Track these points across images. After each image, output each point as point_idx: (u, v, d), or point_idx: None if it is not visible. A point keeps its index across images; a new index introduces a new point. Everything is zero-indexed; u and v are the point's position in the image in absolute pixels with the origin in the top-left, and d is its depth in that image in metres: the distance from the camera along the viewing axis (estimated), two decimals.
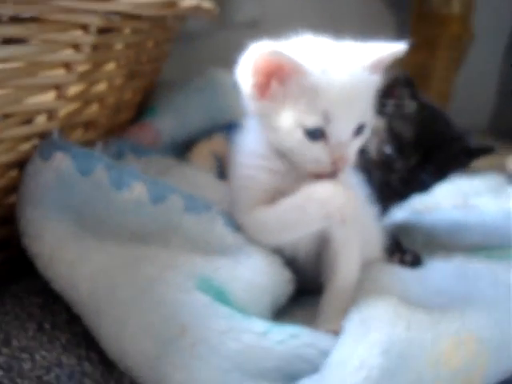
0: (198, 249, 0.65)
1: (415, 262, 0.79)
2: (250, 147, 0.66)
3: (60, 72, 0.65)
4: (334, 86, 0.58)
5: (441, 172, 0.83)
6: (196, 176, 0.74)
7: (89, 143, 0.79)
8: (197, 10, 0.81)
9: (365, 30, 1.84)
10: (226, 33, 1.62)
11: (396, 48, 0.62)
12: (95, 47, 0.69)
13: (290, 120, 0.59)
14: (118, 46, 0.74)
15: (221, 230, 0.67)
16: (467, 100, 1.77)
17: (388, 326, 0.58)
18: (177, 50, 1.52)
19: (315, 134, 0.59)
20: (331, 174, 0.61)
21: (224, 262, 0.64)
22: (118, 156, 0.80)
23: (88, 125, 0.77)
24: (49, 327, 0.64)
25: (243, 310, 0.61)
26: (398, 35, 1.69)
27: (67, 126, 0.72)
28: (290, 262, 0.70)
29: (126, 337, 0.56)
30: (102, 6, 0.60)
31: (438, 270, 0.77)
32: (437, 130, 0.81)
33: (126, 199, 0.64)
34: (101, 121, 0.79)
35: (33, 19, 0.57)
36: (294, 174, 0.64)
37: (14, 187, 0.66)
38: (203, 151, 0.86)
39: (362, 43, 0.64)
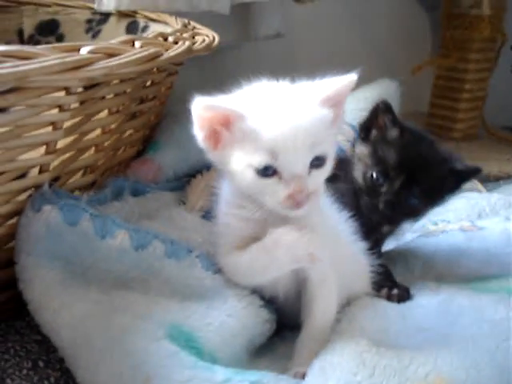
0: (177, 293, 0.70)
1: (402, 298, 0.80)
2: (226, 196, 0.69)
3: (47, 130, 0.70)
4: (276, 125, 0.60)
5: (429, 196, 0.84)
6: (183, 218, 0.79)
7: (88, 185, 0.84)
8: (189, 52, 0.84)
9: (396, 32, 1.85)
10: (250, 46, 1.64)
11: (347, 81, 0.64)
12: (82, 102, 0.73)
13: (240, 162, 0.62)
14: (108, 96, 0.79)
15: (200, 273, 0.71)
16: (503, 100, 1.72)
17: (348, 374, 0.60)
18: (199, 65, 1.56)
19: (267, 172, 0.61)
20: (295, 209, 0.63)
21: (197, 308, 0.68)
22: (117, 195, 0.85)
23: (86, 168, 0.82)
24: (42, 365, 0.70)
25: (213, 353, 0.65)
26: (431, 37, 1.67)
27: (63, 173, 0.78)
28: (272, 300, 0.73)
29: (100, 382, 0.60)
30: (78, 74, 0.64)
31: (422, 306, 0.78)
32: (420, 153, 0.83)
33: (109, 247, 0.69)
34: (99, 163, 0.84)
35: (13, 89, 0.62)
36: (269, 221, 0.67)
37: (14, 234, 0.72)
38: (200, 185, 0.89)
39: (318, 80, 0.66)
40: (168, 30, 1.10)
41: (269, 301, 0.73)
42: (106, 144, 0.83)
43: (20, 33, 1.43)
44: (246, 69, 1.68)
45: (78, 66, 0.65)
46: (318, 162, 0.63)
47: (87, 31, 1.42)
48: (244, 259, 0.67)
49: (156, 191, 0.90)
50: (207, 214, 0.82)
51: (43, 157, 0.72)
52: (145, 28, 1.33)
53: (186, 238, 0.75)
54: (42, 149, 0.72)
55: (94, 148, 0.82)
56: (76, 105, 0.73)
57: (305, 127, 0.60)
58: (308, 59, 1.79)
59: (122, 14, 1.36)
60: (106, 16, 1.39)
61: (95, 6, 1.35)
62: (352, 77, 0.63)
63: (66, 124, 0.73)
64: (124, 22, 1.37)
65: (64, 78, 0.64)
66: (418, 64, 1.63)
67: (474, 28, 1.60)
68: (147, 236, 0.71)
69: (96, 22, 1.41)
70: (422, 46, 1.80)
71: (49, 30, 1.43)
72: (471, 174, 0.86)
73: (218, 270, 0.72)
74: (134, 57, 0.70)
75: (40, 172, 0.73)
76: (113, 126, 0.83)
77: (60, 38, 1.43)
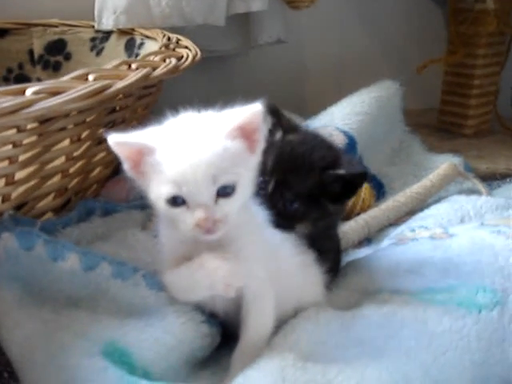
0: (122, 311, 0.75)
1: None
2: (162, 217, 0.74)
3: (4, 164, 0.77)
4: (178, 158, 0.64)
5: (309, 200, 0.82)
6: (135, 238, 0.84)
7: (60, 207, 0.92)
8: (145, 80, 0.89)
9: (409, 29, 1.85)
10: (257, 52, 1.68)
11: (250, 113, 0.66)
12: (40, 135, 0.80)
13: (153, 192, 0.67)
14: (69, 127, 0.85)
15: (144, 292, 0.76)
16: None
17: None
18: (200, 73, 1.61)
19: (176, 202, 0.65)
20: (207, 235, 0.67)
21: (135, 325, 0.73)
22: (87, 216, 0.92)
23: (56, 192, 0.89)
24: (7, 376, 0.78)
25: (147, 367, 0.70)
26: (445, 33, 1.65)
27: (30, 199, 0.85)
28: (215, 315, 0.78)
29: None
30: (22, 115, 0.71)
31: (367, 317, 0.79)
32: (296, 156, 0.82)
33: (61, 269, 0.76)
34: (68, 187, 0.91)
35: None
36: (200, 243, 0.71)
37: None
38: None
39: (227, 110, 0.69)
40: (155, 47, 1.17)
41: (212, 315, 0.78)
42: (72, 170, 0.90)
43: (31, 53, 1.54)
44: (253, 75, 1.74)
45: (21, 108, 0.71)
46: (226, 191, 0.66)
47: (92, 49, 1.51)
48: (174, 278, 0.73)
49: (126, 210, 0.96)
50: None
51: (3, 188, 0.79)
52: (141, 45, 1.40)
53: (135, 258, 0.81)
54: (2, 181, 0.79)
55: (60, 174, 0.89)
56: (33, 138, 0.80)
57: (205, 160, 0.64)
58: (318, 62, 1.81)
59: (121, 32, 1.43)
60: (107, 34, 1.47)
61: (96, 25, 1.43)
62: (256, 108, 0.66)
63: (25, 156, 0.80)
64: (123, 40, 1.45)
65: (11, 119, 0.71)
66: (423, 62, 1.61)
67: (479, 23, 1.56)
68: (95, 258, 0.77)
69: (99, 40, 1.50)
70: (436, 42, 1.78)
71: (57, 50, 1.54)
72: (355, 178, 0.83)
73: (163, 288, 0.78)
74: (77, 94, 0.76)
75: (2, 201, 0.80)
76: (77, 153, 0.89)
77: (68, 57, 1.53)
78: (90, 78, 0.83)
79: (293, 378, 0.64)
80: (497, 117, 1.69)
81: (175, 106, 1.34)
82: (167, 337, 0.73)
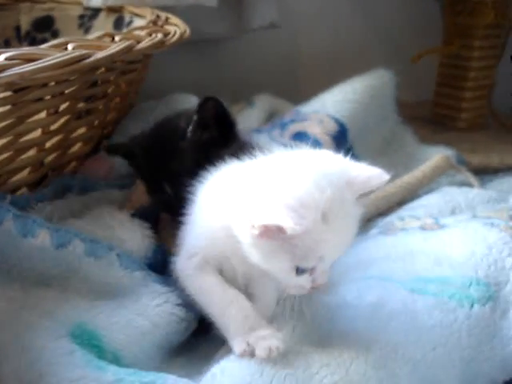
0: (93, 291, 0.72)
1: None
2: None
3: None
4: (333, 235, 0.59)
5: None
6: (111, 216, 0.80)
7: (35, 182, 0.87)
8: (128, 51, 0.84)
9: (406, 17, 1.80)
10: (249, 37, 1.64)
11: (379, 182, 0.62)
12: (14, 104, 0.76)
13: (285, 261, 0.60)
14: (46, 98, 0.81)
15: (117, 272, 0.73)
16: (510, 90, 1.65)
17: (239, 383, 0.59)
18: (191, 56, 1.58)
19: (305, 270, 0.62)
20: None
21: (106, 307, 0.69)
22: (63, 193, 0.88)
23: (31, 167, 0.85)
24: None
25: (117, 351, 0.66)
26: (434, 23, 1.62)
27: (4, 172, 0.81)
28: None
29: (3, 377, 0.63)
30: None
31: (354, 308, 0.75)
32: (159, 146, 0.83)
33: (31, 246, 0.72)
34: (44, 162, 0.87)
35: None
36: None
37: None
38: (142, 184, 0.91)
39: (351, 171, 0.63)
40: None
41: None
42: (48, 144, 0.85)
43: (17, 29, 1.50)
44: (245, 60, 1.70)
45: None
46: None
47: (80, 26, 1.46)
48: (202, 289, 0.68)
49: (104, 189, 0.92)
50: (138, 212, 0.83)
51: None
52: (130, 23, 1.36)
53: (111, 236, 0.76)
54: None
55: (36, 148, 0.84)
56: (7, 108, 0.76)
57: (352, 234, 0.62)
58: (312, 49, 1.77)
59: (110, 10, 1.39)
60: (96, 12, 1.43)
61: (84, 2, 1.39)
62: (384, 176, 0.62)
63: None
64: (112, 18, 1.40)
65: None
66: (419, 52, 1.58)
67: (476, 14, 1.53)
68: (67, 235, 0.73)
69: (87, 18, 1.45)
70: (432, 33, 1.74)
71: (44, 27, 1.49)
72: (206, 110, 0.80)
73: (138, 268, 0.74)
74: (52, 61, 0.72)
75: None
76: (54, 127, 0.85)
77: (55, 34, 1.48)
78: (70, 47, 0.78)
79: (272, 371, 0.60)
80: (491, 111, 1.66)
81: (165, 89, 1.32)
82: (140, 319, 0.69)
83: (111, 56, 0.81)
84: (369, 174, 0.62)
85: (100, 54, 0.79)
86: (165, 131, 0.84)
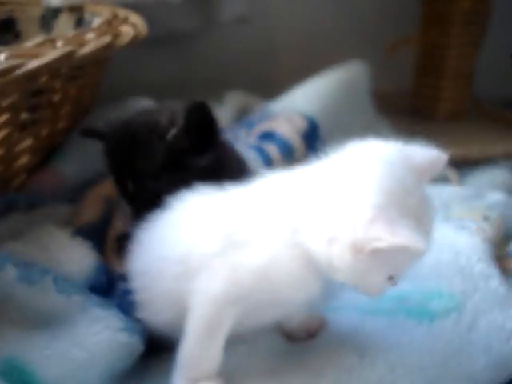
0: (27, 320, 0.67)
1: None
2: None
3: None
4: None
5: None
6: (51, 237, 0.75)
7: None
8: (105, 50, 0.81)
9: (384, 4, 1.74)
10: (213, 33, 1.59)
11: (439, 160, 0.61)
12: None
13: (382, 273, 0.56)
14: None
15: (53, 298, 0.68)
16: (493, 80, 1.59)
17: None
18: (158, 54, 1.52)
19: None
20: None
21: (41, 338, 0.65)
22: (6, 211, 0.83)
23: None
24: None
25: None
26: (412, 10, 1.56)
27: None
28: None
29: None
30: None
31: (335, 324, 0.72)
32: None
33: None
34: None
35: None
36: None
37: None
38: (95, 195, 0.86)
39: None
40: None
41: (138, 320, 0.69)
42: None
43: None
44: (216, 56, 1.64)
45: None
46: None
47: (42, 27, 1.41)
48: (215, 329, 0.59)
49: (52, 204, 0.87)
50: (83, 230, 0.79)
51: None
52: (91, 23, 1.30)
53: (48, 258, 0.72)
54: None
55: None
56: None
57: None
58: (285, 41, 1.72)
59: (71, 9, 1.34)
60: (56, 12, 1.38)
61: (44, 1, 1.34)
62: None
63: None
64: (74, 18, 1.35)
65: None
66: (392, 43, 1.52)
67: (454, 1, 1.47)
68: (0, 260, 0.68)
69: (49, 19, 1.40)
70: (410, 20, 1.69)
71: (6, 28, 1.44)
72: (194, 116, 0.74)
73: (77, 292, 0.69)
74: None
75: None
76: None
77: (18, 36, 1.44)
78: (1, 57, 0.74)
79: None
80: (472, 100, 1.61)
81: (130, 89, 1.27)
82: (76, 351, 0.64)
83: (48, 64, 0.76)
84: (429, 159, 0.59)
85: (35, 63, 0.74)
86: (141, 124, 0.76)
